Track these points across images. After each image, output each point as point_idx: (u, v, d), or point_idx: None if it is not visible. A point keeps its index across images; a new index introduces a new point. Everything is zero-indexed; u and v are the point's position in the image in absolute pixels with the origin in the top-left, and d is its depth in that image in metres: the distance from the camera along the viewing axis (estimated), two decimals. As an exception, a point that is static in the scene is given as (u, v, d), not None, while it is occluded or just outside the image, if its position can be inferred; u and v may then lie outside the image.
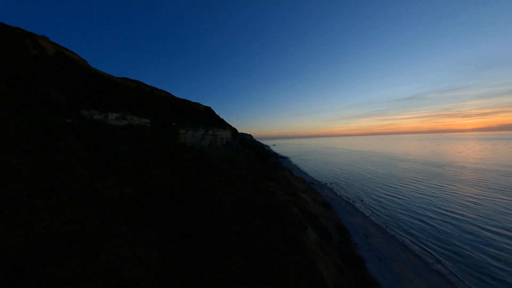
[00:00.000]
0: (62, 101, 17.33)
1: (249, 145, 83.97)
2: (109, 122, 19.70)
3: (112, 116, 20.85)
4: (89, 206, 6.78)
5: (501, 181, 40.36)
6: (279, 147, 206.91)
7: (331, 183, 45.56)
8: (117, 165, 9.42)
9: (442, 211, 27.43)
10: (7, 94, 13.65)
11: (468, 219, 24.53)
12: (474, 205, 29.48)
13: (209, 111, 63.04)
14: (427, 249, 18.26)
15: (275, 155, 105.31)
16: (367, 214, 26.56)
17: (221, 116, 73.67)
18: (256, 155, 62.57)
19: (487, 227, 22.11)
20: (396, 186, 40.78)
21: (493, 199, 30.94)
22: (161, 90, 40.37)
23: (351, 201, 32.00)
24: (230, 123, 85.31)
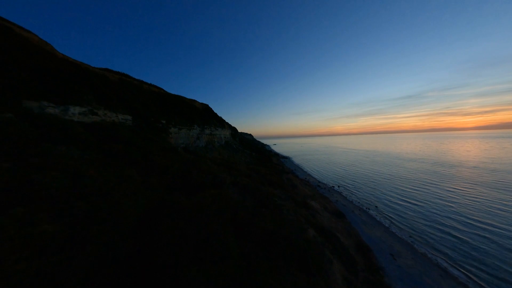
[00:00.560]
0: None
1: (249, 145, 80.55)
2: (69, 117, 15.90)
3: (75, 110, 16.77)
4: None
5: (525, 184, 37.03)
6: (279, 147, 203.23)
7: (338, 186, 42.13)
8: (40, 180, 6.02)
9: (469, 221, 24.05)
10: None
11: (501, 231, 21.24)
12: (502, 213, 26.14)
13: (206, 109, 59.29)
14: (471, 275, 14.84)
15: (277, 155, 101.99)
16: (386, 225, 23.14)
17: (222, 118, 70.08)
18: (257, 155, 59.14)
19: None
20: (409, 190, 37.36)
21: (522, 205, 27.62)
22: (151, 85, 36.45)
23: (364, 208, 28.58)
24: (230, 124, 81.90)
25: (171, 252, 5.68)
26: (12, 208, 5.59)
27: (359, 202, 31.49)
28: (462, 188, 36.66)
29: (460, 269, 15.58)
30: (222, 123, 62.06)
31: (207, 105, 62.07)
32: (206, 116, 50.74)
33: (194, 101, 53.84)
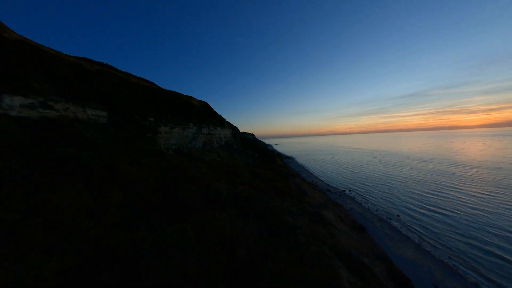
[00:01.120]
0: None
1: (251, 146, 77.10)
2: (2, 110, 12.24)
3: (13, 101, 13.18)
4: None
5: None
6: (282, 147, 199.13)
7: (350, 190, 38.39)
8: None
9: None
10: None
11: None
12: (549, 224, 22.27)
13: (205, 107, 55.71)
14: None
15: (280, 155, 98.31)
16: (416, 241, 19.41)
17: (222, 116, 66.30)
18: (259, 156, 55.56)
19: None
20: (430, 196, 33.42)
21: None
22: (141, 79, 32.94)
23: (385, 218, 24.85)
24: (231, 123, 78.27)
25: None
26: None
27: (377, 210, 27.77)
28: (489, 194, 32.65)
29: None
30: (222, 122, 58.50)
31: (206, 102, 58.44)
32: (205, 115, 47.15)
33: (192, 98, 50.24)
